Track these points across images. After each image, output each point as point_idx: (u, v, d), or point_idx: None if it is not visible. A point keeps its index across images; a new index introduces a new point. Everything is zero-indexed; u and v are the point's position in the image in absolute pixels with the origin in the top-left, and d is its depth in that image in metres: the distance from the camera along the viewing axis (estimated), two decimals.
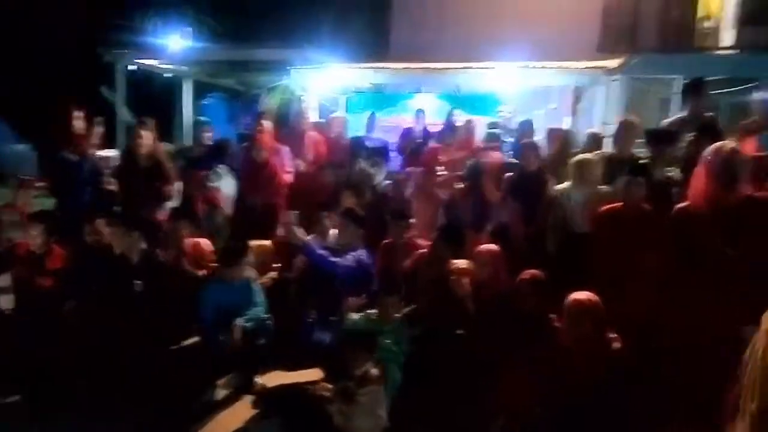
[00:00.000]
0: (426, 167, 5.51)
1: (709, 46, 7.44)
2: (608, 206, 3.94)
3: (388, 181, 5.82)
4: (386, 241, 4.71)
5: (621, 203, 3.89)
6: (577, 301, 3.17)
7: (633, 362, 3.16)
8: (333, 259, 4.31)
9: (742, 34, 7.45)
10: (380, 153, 6.27)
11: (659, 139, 4.31)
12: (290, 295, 4.61)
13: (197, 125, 6.33)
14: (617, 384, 3.04)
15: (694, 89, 4.79)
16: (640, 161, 4.16)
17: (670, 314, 3.25)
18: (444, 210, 5.30)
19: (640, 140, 4.57)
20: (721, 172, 2.97)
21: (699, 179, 3.13)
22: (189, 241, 4.85)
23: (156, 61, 9.09)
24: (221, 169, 5.48)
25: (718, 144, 3.07)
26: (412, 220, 4.73)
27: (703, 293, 2.92)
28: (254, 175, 5.19)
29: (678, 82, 6.97)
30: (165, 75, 9.70)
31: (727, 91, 6.44)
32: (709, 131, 3.97)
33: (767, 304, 2.58)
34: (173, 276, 4.43)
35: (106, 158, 6.12)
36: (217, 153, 5.67)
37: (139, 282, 4.38)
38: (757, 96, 5.15)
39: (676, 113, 6.16)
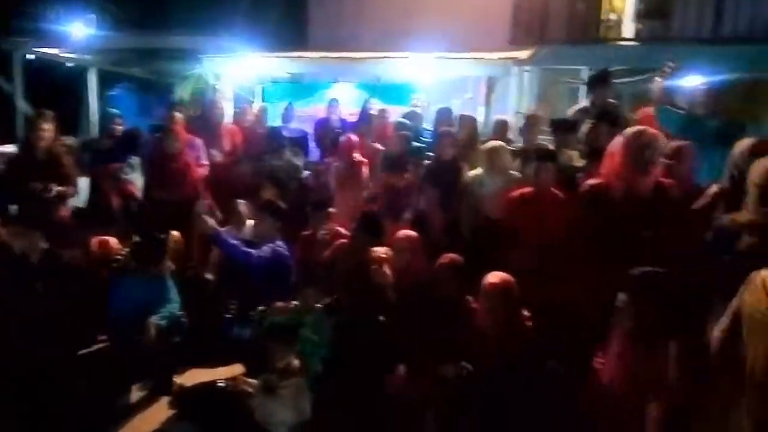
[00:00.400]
0: (345, 157, 5.48)
1: (612, 38, 7.85)
2: (519, 191, 4.09)
3: (307, 172, 5.76)
4: (306, 232, 4.66)
5: (532, 188, 4.04)
6: (492, 284, 3.26)
7: (548, 341, 3.29)
8: (246, 249, 4.18)
9: (642, 27, 7.90)
10: (299, 144, 6.20)
11: (561, 127, 4.54)
12: (208, 290, 4.49)
13: (107, 116, 5.96)
14: (533, 363, 3.15)
15: (598, 79, 5.04)
16: (548, 149, 4.34)
17: (583, 293, 3.43)
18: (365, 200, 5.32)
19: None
20: (638, 156, 3.11)
21: (614, 160, 3.26)
22: (96, 239, 4.60)
23: (57, 49, 8.52)
24: (134, 160, 5.20)
25: (639, 128, 3.22)
26: (331, 210, 4.70)
27: (617, 271, 3.03)
28: (165, 168, 4.95)
29: (585, 72, 7.34)
30: (67, 64, 9.11)
31: (629, 81, 6.81)
32: (606, 118, 4.19)
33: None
34: (78, 276, 4.18)
35: (2, 154, 5.70)
36: (128, 144, 5.37)
37: (40, 283, 4.10)
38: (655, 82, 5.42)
39: (584, 101, 6.53)
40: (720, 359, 2.03)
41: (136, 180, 5.23)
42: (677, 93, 5.12)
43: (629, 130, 3.24)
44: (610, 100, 4.94)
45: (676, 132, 4.33)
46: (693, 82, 5.07)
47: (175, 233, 4.50)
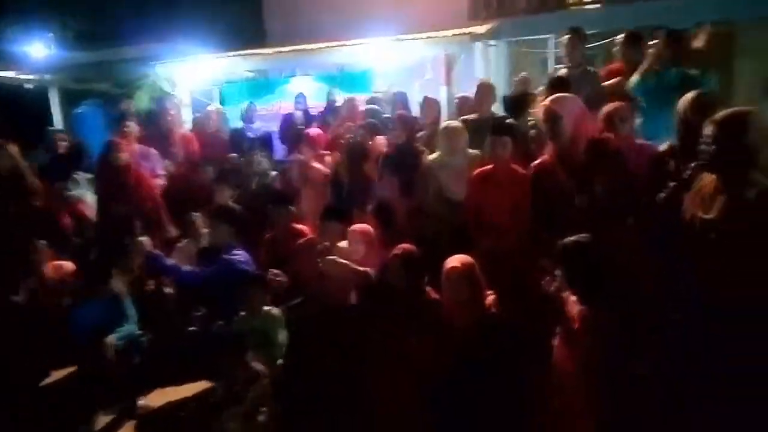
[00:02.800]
0: (310, 152, 5.30)
1: (574, 3, 7.64)
2: (479, 170, 3.91)
3: (274, 173, 5.59)
4: (268, 235, 4.50)
5: (491, 165, 3.86)
6: (452, 267, 3.12)
7: (514, 320, 3.16)
8: (186, 269, 3.99)
9: None
10: (263, 143, 6.02)
11: (513, 104, 4.35)
12: (169, 305, 4.32)
13: (49, 134, 5.77)
14: (499, 343, 3.01)
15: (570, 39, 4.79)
16: (505, 121, 4.15)
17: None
18: (330, 190, 5.16)
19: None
20: (544, 124, 3.07)
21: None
22: (51, 265, 4.44)
23: (12, 72, 8.35)
24: (79, 176, 5.01)
25: (551, 98, 3.11)
26: (292, 208, 4.53)
27: None
28: (115, 181, 4.76)
29: (552, 41, 7.17)
30: (26, 86, 8.92)
31: (595, 45, 6.63)
32: (557, 86, 4.00)
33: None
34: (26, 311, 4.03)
35: None
36: (71, 159, 5.18)
37: None
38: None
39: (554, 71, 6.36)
40: None
41: (85, 196, 5.03)
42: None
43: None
44: (588, 67, 4.72)
45: (639, 92, 4.19)
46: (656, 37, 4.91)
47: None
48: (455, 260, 3.15)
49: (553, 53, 7.30)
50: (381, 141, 4.86)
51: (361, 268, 3.47)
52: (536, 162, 3.26)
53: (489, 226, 3.74)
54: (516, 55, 7.69)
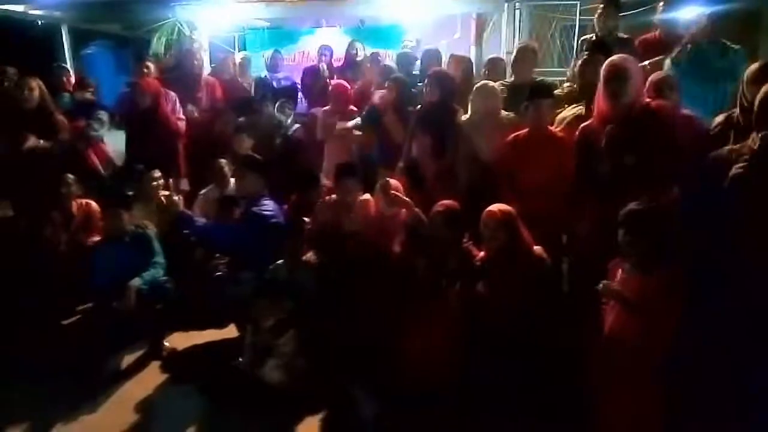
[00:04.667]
0: (333, 106, 5.21)
1: None
2: (515, 134, 3.85)
3: (297, 125, 5.50)
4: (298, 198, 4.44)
5: (527, 129, 3.80)
6: (490, 213, 3.19)
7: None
8: (217, 227, 3.98)
9: None
10: (289, 94, 5.90)
11: (536, 92, 4.05)
12: (196, 253, 4.31)
13: (57, 70, 5.62)
14: (543, 288, 3.08)
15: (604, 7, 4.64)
16: (543, 83, 4.05)
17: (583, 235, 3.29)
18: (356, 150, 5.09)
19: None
20: (608, 83, 2.94)
21: (598, 95, 3.09)
22: (77, 203, 4.43)
23: (22, 6, 8.07)
24: (103, 115, 4.92)
25: (611, 59, 3.02)
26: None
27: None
28: (141, 123, 4.69)
29: (577, 8, 7.00)
30: (37, 23, 8.66)
31: (626, 14, 6.48)
32: (599, 49, 3.91)
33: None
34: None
35: None
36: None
37: None
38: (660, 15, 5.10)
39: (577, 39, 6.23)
40: None
41: (105, 136, 4.96)
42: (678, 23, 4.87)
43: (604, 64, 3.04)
44: (621, 35, 4.60)
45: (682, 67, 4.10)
46: (693, 11, 4.81)
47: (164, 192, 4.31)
48: (494, 207, 3.22)
49: (578, 20, 7.18)
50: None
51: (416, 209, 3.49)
52: (586, 123, 3.19)
53: (522, 190, 3.70)
54: (537, 19, 7.53)
